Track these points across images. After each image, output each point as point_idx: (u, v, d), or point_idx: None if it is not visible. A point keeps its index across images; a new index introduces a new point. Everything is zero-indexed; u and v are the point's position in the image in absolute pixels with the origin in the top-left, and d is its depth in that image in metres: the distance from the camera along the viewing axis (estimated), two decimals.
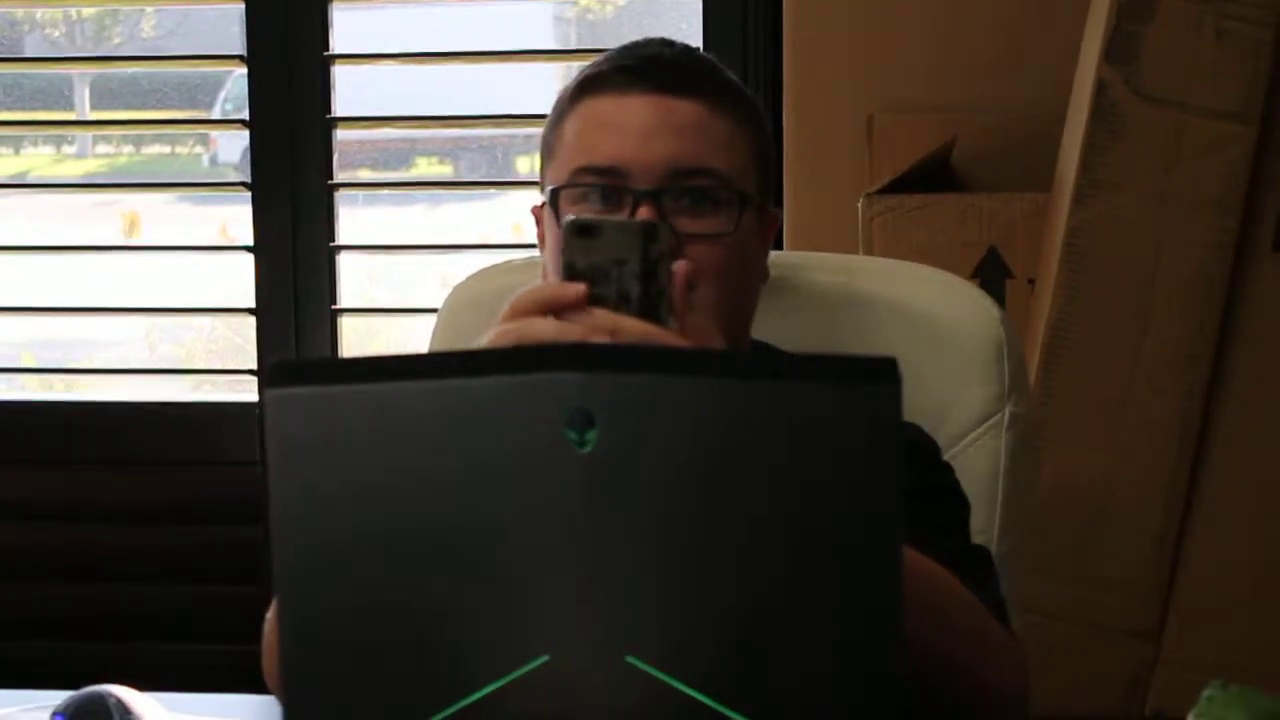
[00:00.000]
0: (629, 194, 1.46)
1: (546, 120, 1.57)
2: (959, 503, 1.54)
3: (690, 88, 1.50)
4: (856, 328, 1.69)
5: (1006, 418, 1.68)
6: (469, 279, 1.82)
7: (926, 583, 1.28)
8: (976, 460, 1.64)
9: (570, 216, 1.23)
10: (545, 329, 1.19)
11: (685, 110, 1.48)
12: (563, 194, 1.49)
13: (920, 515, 1.27)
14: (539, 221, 1.57)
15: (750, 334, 1.56)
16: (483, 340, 1.24)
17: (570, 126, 1.52)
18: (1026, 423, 1.70)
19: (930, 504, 1.47)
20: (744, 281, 1.52)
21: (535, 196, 1.61)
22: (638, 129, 1.47)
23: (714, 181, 1.47)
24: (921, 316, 1.70)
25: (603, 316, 1.18)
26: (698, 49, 1.59)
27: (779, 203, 2.69)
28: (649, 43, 1.57)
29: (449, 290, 1.84)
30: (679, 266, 1.24)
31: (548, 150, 1.56)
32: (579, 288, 1.19)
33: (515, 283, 1.76)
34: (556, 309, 1.20)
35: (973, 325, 1.69)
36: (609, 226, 1.21)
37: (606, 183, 1.47)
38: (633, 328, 1.18)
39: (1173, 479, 2.25)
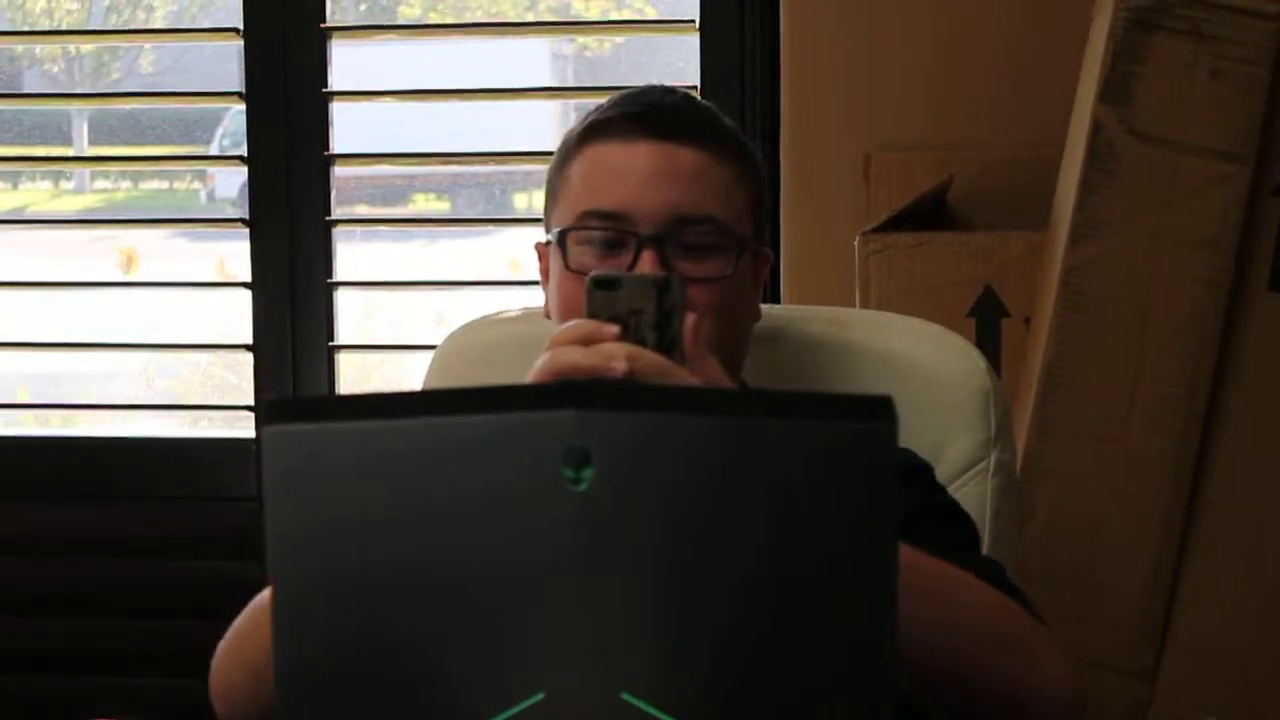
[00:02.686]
0: (632, 238, 1.52)
1: (552, 161, 1.62)
2: (965, 519, 1.58)
3: (692, 136, 1.56)
4: (846, 377, 1.74)
5: (992, 464, 1.73)
6: (461, 329, 1.85)
7: (955, 587, 1.32)
8: (964, 505, 1.66)
9: (592, 272, 1.35)
10: (574, 355, 1.28)
11: (687, 158, 1.54)
12: (569, 235, 1.54)
13: (932, 532, 1.30)
14: (542, 258, 1.63)
15: (742, 371, 1.61)
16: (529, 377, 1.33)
17: (576, 170, 1.58)
18: (1010, 469, 1.75)
19: (939, 522, 1.50)
20: (739, 319, 1.59)
21: (533, 233, 1.65)
22: (641, 176, 1.53)
23: (713, 229, 1.54)
24: (910, 366, 1.74)
25: (621, 346, 1.28)
26: (697, 97, 1.66)
27: (774, 241, 2.69)
28: (651, 90, 1.63)
29: (446, 327, 1.86)
30: (690, 319, 1.33)
31: (553, 191, 1.62)
32: (613, 328, 1.30)
33: (508, 334, 1.80)
34: (590, 343, 1.30)
35: (960, 375, 1.74)
36: (628, 280, 1.33)
37: (611, 227, 1.53)
38: (649, 358, 1.28)
39: (1168, 517, 2.25)
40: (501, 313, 1.86)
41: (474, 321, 1.86)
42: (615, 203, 1.53)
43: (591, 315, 1.32)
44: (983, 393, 1.73)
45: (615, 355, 1.27)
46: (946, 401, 1.72)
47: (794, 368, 1.73)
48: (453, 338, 1.85)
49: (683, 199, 1.53)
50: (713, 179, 1.55)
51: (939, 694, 1.32)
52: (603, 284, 1.32)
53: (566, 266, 1.54)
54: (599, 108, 1.61)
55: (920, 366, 1.74)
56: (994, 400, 1.73)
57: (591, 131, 1.59)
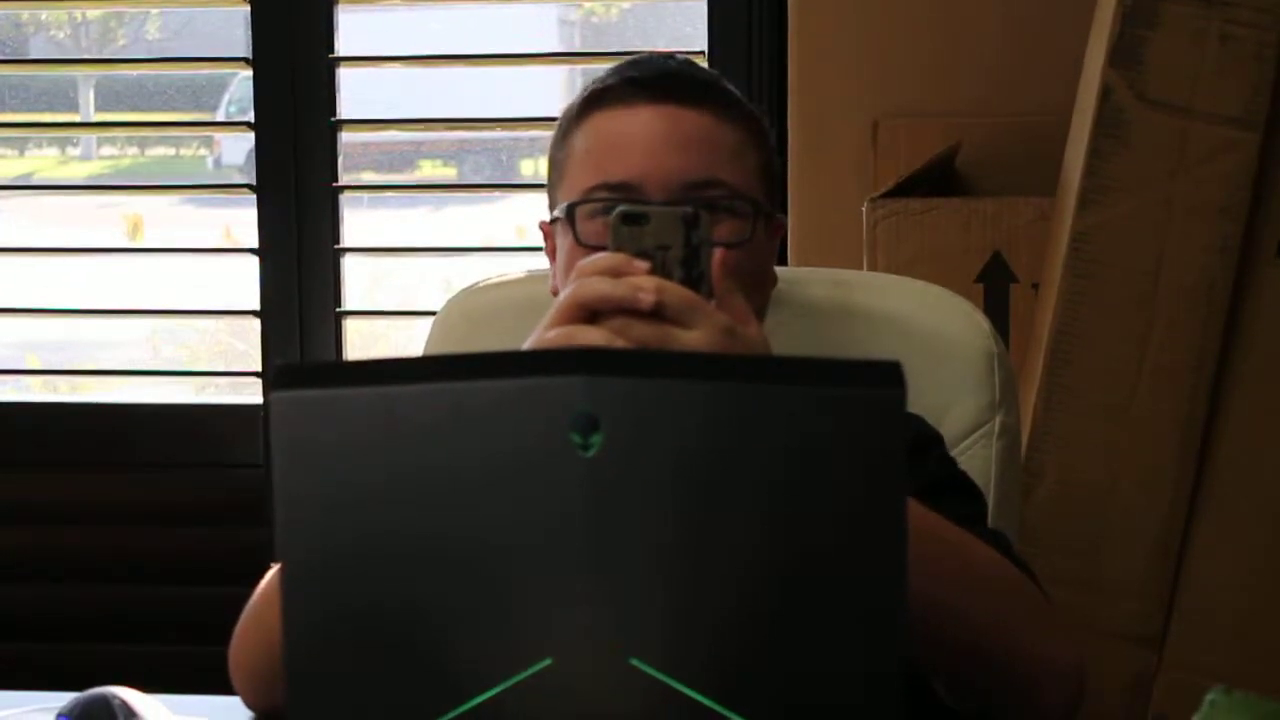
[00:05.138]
0: None
1: (553, 136, 1.59)
2: (975, 493, 1.57)
3: (696, 98, 1.52)
4: (851, 340, 1.72)
5: (997, 427, 1.72)
6: (462, 293, 1.83)
7: (967, 556, 1.32)
8: (969, 468, 1.67)
9: (619, 207, 1.33)
10: (602, 286, 1.27)
11: (693, 120, 1.51)
12: (578, 209, 1.50)
13: (943, 505, 1.30)
14: (548, 236, 1.59)
15: None
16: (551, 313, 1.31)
17: (580, 142, 1.54)
18: (1015, 432, 1.74)
19: (950, 494, 1.49)
20: (759, 286, 1.55)
21: (540, 199, 1.62)
22: (647, 143, 1.50)
23: (725, 192, 1.50)
24: (915, 328, 1.73)
25: (650, 279, 1.27)
26: (698, 64, 1.62)
27: (784, 209, 2.69)
28: (651, 56, 1.60)
29: (453, 293, 1.85)
30: (718, 254, 1.31)
31: (556, 165, 1.58)
32: (642, 263, 1.29)
33: (509, 297, 1.79)
34: (619, 275, 1.28)
35: (964, 337, 1.73)
36: (655, 215, 1.32)
37: (621, 198, 1.48)
38: (677, 292, 1.26)
39: (1176, 484, 2.25)
40: (503, 276, 1.85)
41: (475, 285, 1.84)
42: (623, 173, 1.49)
43: (618, 250, 1.30)
44: (986, 355, 1.72)
45: (644, 287, 1.25)
46: (950, 364, 1.72)
47: (796, 330, 1.71)
48: (454, 301, 1.83)
49: (691, 164, 1.49)
50: (721, 142, 1.51)
51: (945, 663, 1.32)
52: (629, 219, 1.31)
53: (577, 241, 1.50)
54: (598, 78, 1.57)
55: (923, 329, 1.73)
56: (998, 363, 1.72)
57: (592, 101, 1.55)
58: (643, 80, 1.53)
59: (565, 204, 1.52)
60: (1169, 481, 2.25)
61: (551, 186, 1.59)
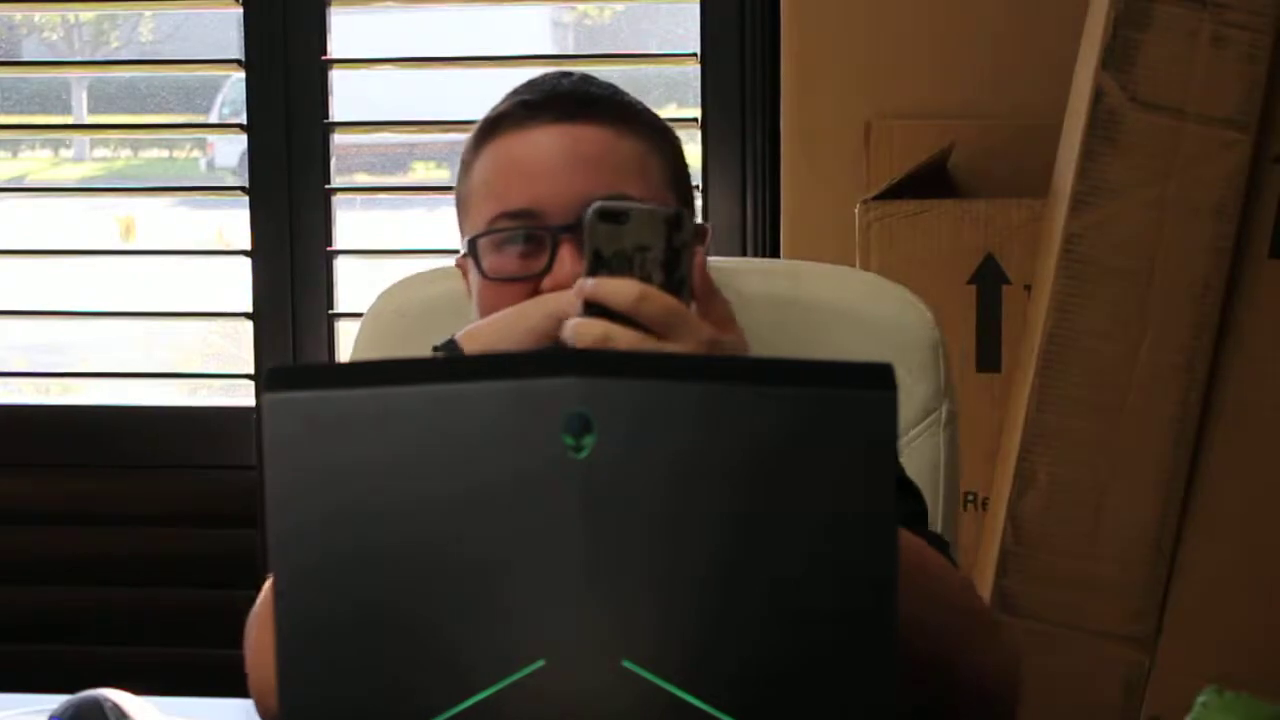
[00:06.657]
0: (547, 234, 1.44)
1: (457, 174, 1.55)
2: (915, 492, 1.57)
3: (593, 113, 1.47)
4: (800, 330, 1.73)
5: (944, 415, 1.74)
6: (395, 286, 1.80)
7: (925, 564, 1.32)
8: (919, 455, 1.70)
9: (596, 203, 1.25)
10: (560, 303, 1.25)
11: (591, 137, 1.46)
12: (481, 242, 1.47)
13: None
14: (465, 274, 1.54)
15: None
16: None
17: (479, 173, 1.50)
18: (956, 421, 1.77)
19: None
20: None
21: None
22: (546, 165, 1.45)
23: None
24: (863, 318, 1.74)
25: (632, 284, 1.21)
26: (595, 78, 1.56)
27: (774, 208, 2.69)
28: (545, 77, 1.54)
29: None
30: (699, 255, 1.26)
31: (461, 203, 1.53)
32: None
33: (443, 291, 1.75)
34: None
35: (910, 326, 1.74)
36: (635, 214, 1.23)
37: (523, 227, 1.45)
38: (659, 300, 1.21)
39: (1169, 485, 2.25)
40: (435, 270, 1.80)
41: (407, 279, 1.81)
42: (523, 200, 1.44)
43: (594, 251, 1.23)
44: (932, 344, 1.73)
45: (625, 294, 1.20)
46: (899, 353, 1.72)
47: (745, 320, 1.70)
48: (385, 296, 1.79)
49: (593, 182, 1.43)
50: (621, 155, 1.46)
51: (906, 670, 1.32)
52: (607, 216, 1.22)
53: (484, 275, 1.46)
54: (494, 106, 1.52)
55: (872, 318, 1.74)
56: (942, 351, 1.74)
57: (487, 130, 1.50)
58: (536, 102, 1.48)
59: (468, 237, 1.48)
60: (1162, 481, 2.25)
61: (459, 224, 1.54)
